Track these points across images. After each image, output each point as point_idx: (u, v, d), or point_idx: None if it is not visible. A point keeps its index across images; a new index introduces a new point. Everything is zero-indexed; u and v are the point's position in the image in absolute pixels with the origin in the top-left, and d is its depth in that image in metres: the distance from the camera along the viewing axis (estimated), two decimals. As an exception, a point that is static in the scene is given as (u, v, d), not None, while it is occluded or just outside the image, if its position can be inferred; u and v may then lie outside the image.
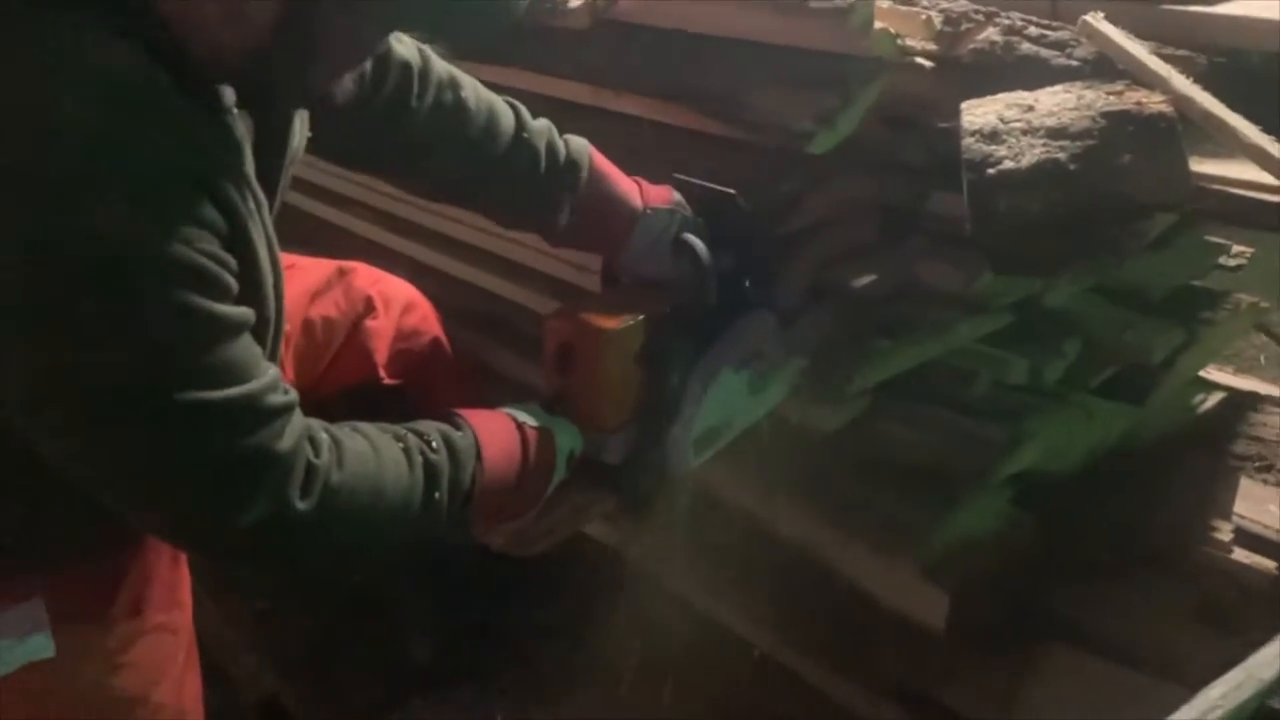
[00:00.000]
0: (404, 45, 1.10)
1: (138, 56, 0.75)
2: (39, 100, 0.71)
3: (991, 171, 1.18)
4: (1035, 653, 1.41)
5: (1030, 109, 1.21)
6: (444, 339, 1.48)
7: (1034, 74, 1.29)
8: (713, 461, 1.23)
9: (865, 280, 1.31)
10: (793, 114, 1.24)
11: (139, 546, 1.01)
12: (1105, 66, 1.29)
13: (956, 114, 1.24)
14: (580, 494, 1.14)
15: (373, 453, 0.89)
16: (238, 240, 0.80)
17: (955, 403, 1.44)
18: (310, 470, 0.83)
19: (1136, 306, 1.56)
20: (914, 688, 1.40)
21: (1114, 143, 1.17)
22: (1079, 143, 1.17)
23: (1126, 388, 1.58)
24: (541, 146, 1.15)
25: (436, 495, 0.93)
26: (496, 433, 1.01)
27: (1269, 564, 1.47)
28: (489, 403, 1.07)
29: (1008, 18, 1.35)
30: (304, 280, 1.38)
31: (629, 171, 1.22)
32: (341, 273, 1.44)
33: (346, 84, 1.03)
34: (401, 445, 0.92)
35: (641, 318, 1.12)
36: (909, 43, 1.30)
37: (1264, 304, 1.77)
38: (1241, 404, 1.85)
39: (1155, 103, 1.19)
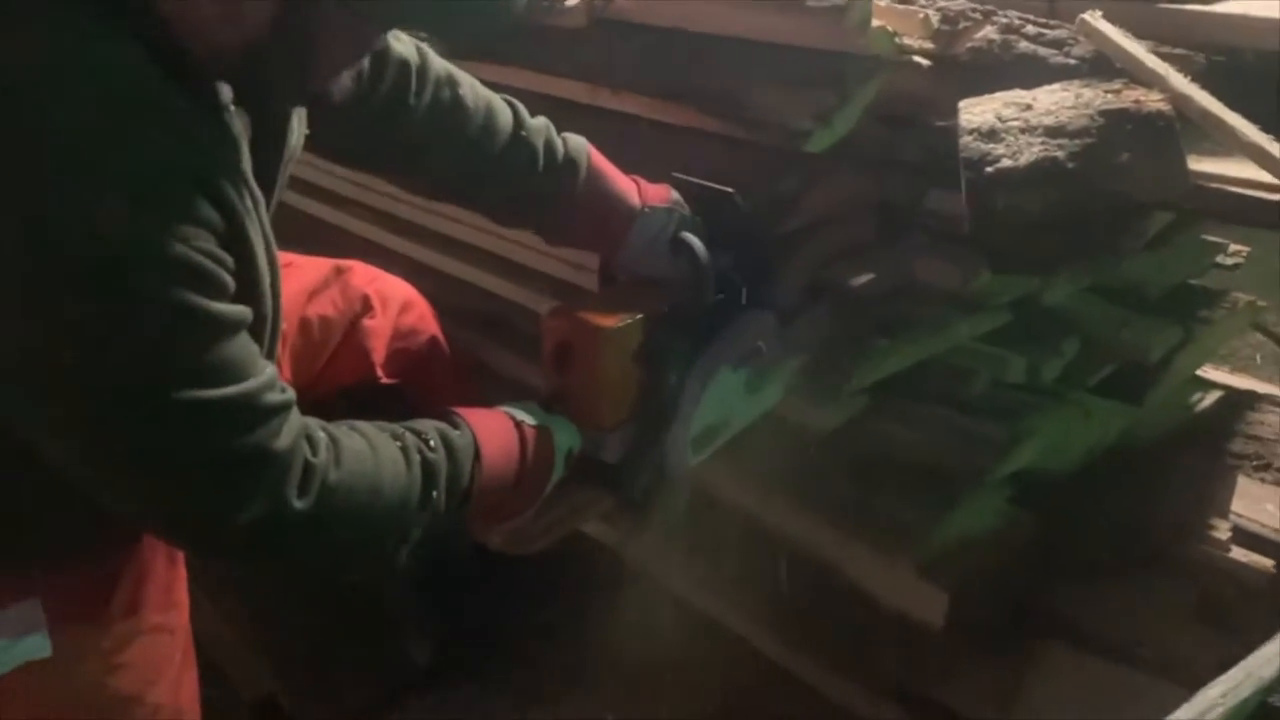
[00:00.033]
0: (402, 43, 1.09)
1: (136, 55, 0.74)
2: (37, 99, 0.71)
3: (990, 170, 1.18)
4: (1034, 651, 1.41)
5: (1028, 107, 1.21)
6: (441, 338, 1.48)
7: (1032, 72, 1.29)
8: (711, 460, 1.23)
9: (863, 279, 1.31)
10: (791, 112, 1.24)
11: (135, 546, 1.00)
12: (1103, 65, 1.30)
13: (954, 112, 1.25)
14: (578, 493, 1.14)
15: (370, 451, 0.89)
16: (235, 238, 0.80)
17: (953, 401, 1.44)
18: (308, 469, 0.83)
19: (1134, 305, 1.56)
20: (913, 687, 1.40)
21: (1112, 141, 1.17)
22: (1077, 141, 1.17)
23: (1124, 386, 1.58)
24: (539, 144, 1.15)
25: (434, 494, 0.93)
26: (495, 431, 1.01)
27: (1267, 562, 1.47)
28: (487, 402, 1.07)
29: (1005, 16, 1.35)
30: (301, 279, 1.38)
31: (627, 170, 1.22)
32: (339, 271, 1.43)
33: (344, 82, 1.03)
34: (399, 444, 0.92)
35: (640, 316, 1.12)
36: (907, 41, 1.30)
37: (1261, 303, 1.77)
38: (1239, 403, 1.85)
39: (1153, 101, 1.20)
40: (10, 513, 0.89)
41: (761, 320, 1.21)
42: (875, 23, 1.23)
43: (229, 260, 0.78)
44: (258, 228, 0.84)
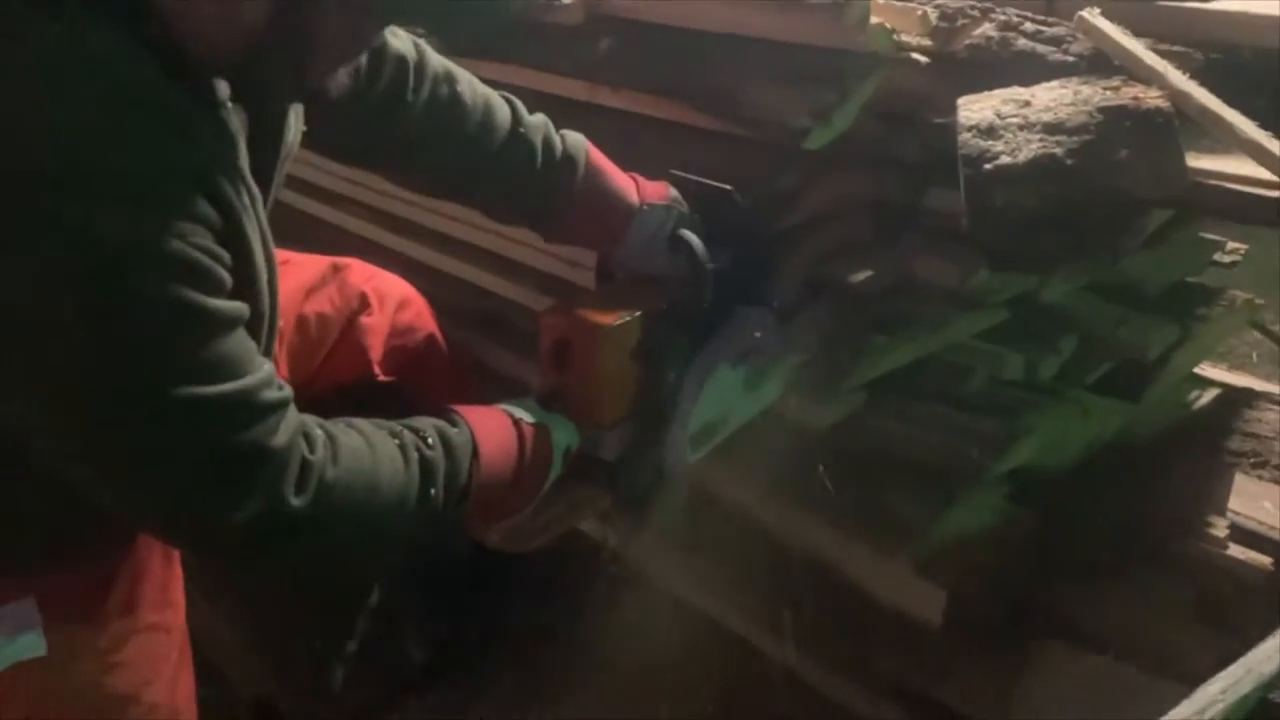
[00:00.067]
0: (399, 39, 1.09)
1: (133, 51, 0.74)
2: (35, 96, 0.71)
3: (988, 167, 1.18)
4: (1032, 649, 1.41)
5: (1027, 104, 1.21)
6: (439, 336, 1.48)
7: (1030, 70, 1.29)
8: (709, 458, 1.22)
9: (862, 276, 1.31)
10: (789, 109, 1.24)
11: (131, 545, 1.00)
12: (1102, 62, 1.29)
13: (952, 110, 1.24)
14: (576, 491, 1.14)
15: (368, 449, 0.89)
16: (232, 235, 0.79)
17: (951, 398, 1.44)
18: (305, 466, 0.83)
19: (1132, 303, 1.56)
20: (911, 685, 1.40)
21: (1111, 138, 1.17)
22: (1076, 138, 1.17)
23: (1122, 384, 1.58)
24: (538, 141, 1.15)
25: (432, 491, 0.92)
26: (493, 429, 1.01)
27: (1265, 560, 1.47)
28: (485, 400, 1.07)
29: (1004, 13, 1.35)
30: (298, 276, 1.38)
31: (625, 167, 1.22)
32: (336, 269, 1.43)
33: (341, 78, 1.03)
34: (397, 441, 0.92)
35: (638, 314, 1.11)
36: (905, 38, 1.30)
37: (1259, 300, 1.78)
38: (1236, 400, 1.85)
39: (1152, 98, 1.19)
40: (5, 511, 0.89)
41: (760, 317, 1.21)
42: (874, 20, 1.22)
43: (226, 256, 0.78)
44: (255, 224, 0.84)
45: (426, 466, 0.92)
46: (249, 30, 0.79)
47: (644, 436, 1.14)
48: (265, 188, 0.91)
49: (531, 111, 1.17)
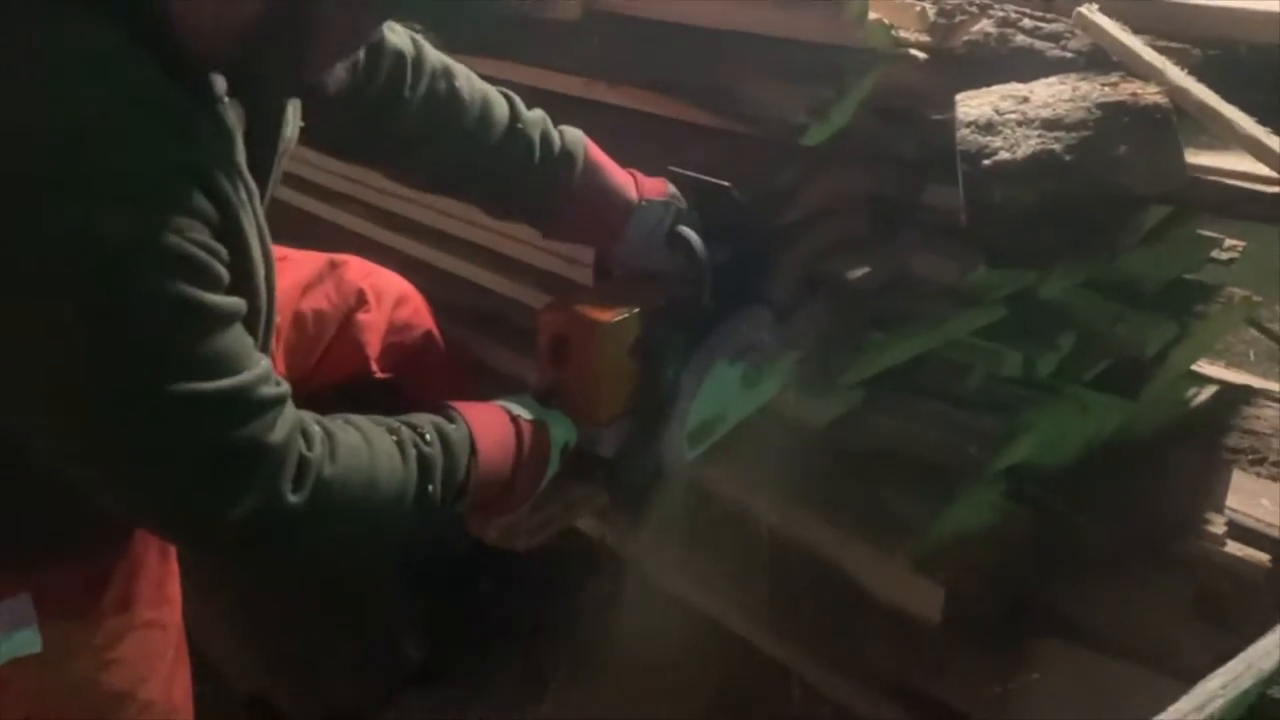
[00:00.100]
0: (397, 34, 1.09)
1: (132, 50, 0.74)
2: (32, 93, 0.71)
3: (987, 163, 1.18)
4: (1031, 646, 1.41)
5: (1025, 100, 1.21)
6: (436, 333, 1.47)
7: (1029, 66, 1.29)
8: (707, 455, 1.22)
9: (860, 272, 1.31)
10: (787, 106, 1.24)
11: (127, 541, 1.00)
12: (1100, 58, 1.29)
13: (951, 106, 1.24)
14: (574, 488, 1.14)
15: (366, 445, 0.89)
16: (229, 230, 0.79)
17: (949, 395, 1.44)
18: (302, 463, 0.82)
19: (1130, 300, 1.56)
20: (910, 682, 1.40)
21: (1109, 134, 1.17)
22: (1074, 134, 1.17)
23: (1120, 381, 1.59)
24: (536, 137, 1.14)
25: (430, 488, 0.92)
26: (491, 425, 1.01)
27: (1262, 557, 1.47)
28: (482, 396, 1.06)
29: (1002, 10, 1.35)
30: (295, 273, 1.37)
31: (624, 164, 1.21)
32: (333, 265, 1.42)
33: (339, 73, 1.02)
34: (395, 438, 0.92)
35: (636, 310, 1.11)
36: (903, 34, 1.30)
37: (1256, 298, 1.78)
38: (1234, 397, 1.85)
39: (1150, 94, 1.19)
40: (1, 508, 0.88)
41: (758, 314, 1.21)
42: (872, 16, 1.23)
43: (223, 252, 0.78)
44: (252, 220, 0.83)
45: (424, 463, 0.92)
46: (247, 26, 0.78)
47: (642, 433, 1.13)
48: (263, 183, 0.91)
49: (529, 107, 1.17)
